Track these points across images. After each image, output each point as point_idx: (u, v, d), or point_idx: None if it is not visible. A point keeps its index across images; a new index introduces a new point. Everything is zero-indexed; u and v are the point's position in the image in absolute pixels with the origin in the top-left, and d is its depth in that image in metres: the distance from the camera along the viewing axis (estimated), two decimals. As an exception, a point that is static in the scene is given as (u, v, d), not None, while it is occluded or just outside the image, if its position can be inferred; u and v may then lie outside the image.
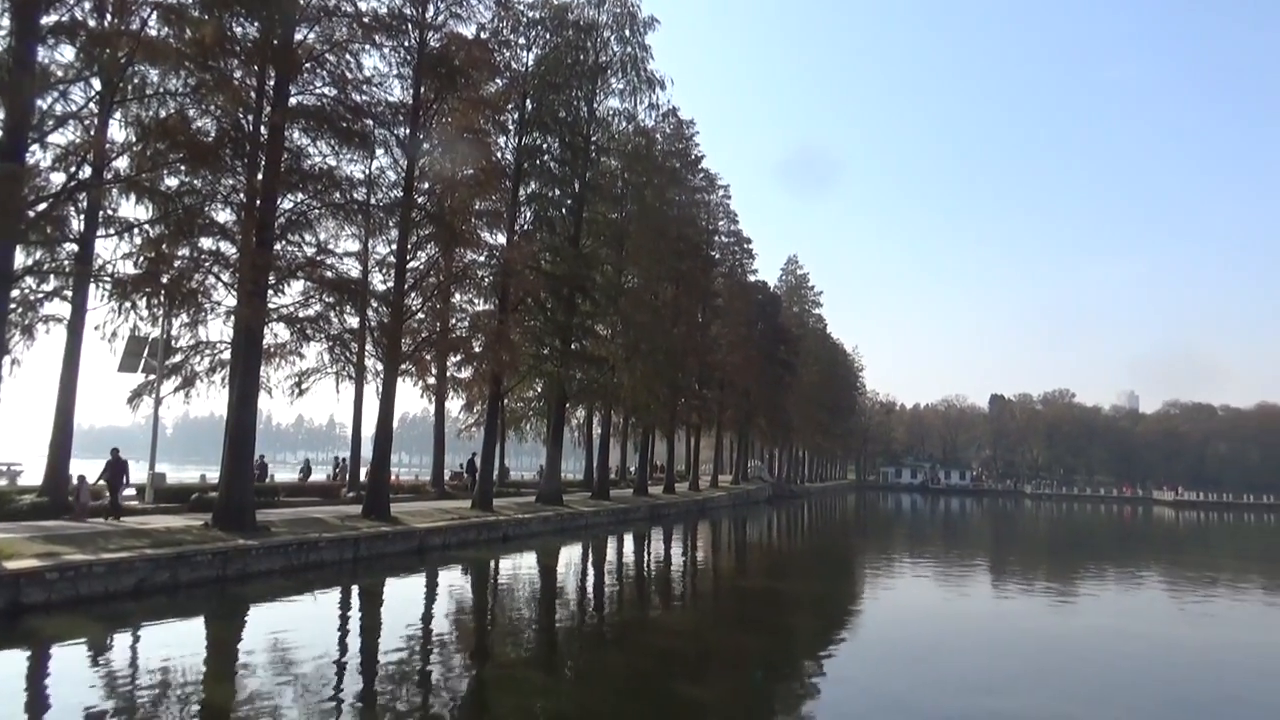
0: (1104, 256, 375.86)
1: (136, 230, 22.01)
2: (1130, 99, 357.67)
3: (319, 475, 44.09)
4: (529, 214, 39.00)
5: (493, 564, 26.03)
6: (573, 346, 40.85)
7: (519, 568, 26.29)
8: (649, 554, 32.42)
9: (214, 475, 29.43)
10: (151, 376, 25.20)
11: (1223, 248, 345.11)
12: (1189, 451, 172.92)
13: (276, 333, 24.69)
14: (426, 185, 28.76)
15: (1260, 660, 16.38)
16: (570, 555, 30.08)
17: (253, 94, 22.26)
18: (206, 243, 22.18)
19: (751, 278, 77.26)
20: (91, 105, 21.30)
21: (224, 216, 22.70)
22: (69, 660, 12.48)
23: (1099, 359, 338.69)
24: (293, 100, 22.88)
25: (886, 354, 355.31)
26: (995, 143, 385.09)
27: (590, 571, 26.92)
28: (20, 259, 19.84)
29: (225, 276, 22.03)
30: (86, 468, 24.24)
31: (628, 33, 42.05)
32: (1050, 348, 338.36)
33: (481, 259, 31.75)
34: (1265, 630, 20.26)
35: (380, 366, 28.85)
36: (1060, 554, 42.87)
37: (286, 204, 23.35)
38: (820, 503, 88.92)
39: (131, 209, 21.99)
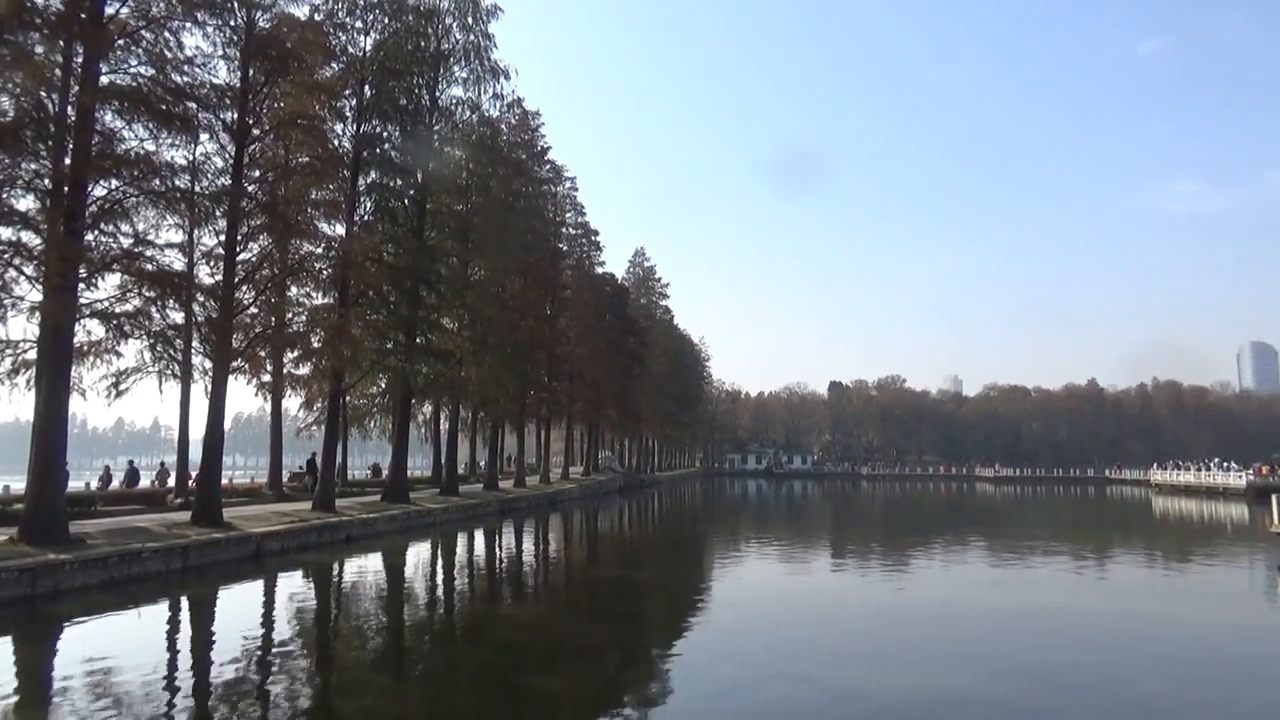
0: (930, 253, 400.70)
1: (-79, 218, 19.94)
2: (952, 108, 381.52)
3: (119, 483, 40.65)
4: (369, 204, 37.80)
5: (336, 566, 25.18)
6: (418, 340, 39.96)
7: (364, 569, 25.55)
8: (500, 549, 32.15)
9: (19, 485, 27.07)
10: (-57, 380, 22.86)
11: (1030, 246, 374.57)
12: (1007, 431, 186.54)
13: (90, 330, 22.99)
14: (258, 173, 27.41)
15: (1053, 620, 17.96)
16: (418, 554, 29.48)
17: (58, 72, 20.54)
18: (5, 232, 20.35)
19: (599, 270, 77.76)
20: None
21: (26, 204, 20.85)
22: None
23: (927, 346, 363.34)
24: (104, 79, 21.27)
25: (732, 344, 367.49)
26: (835, 145, 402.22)
27: (439, 569, 26.47)
28: None
29: (29, 269, 20.28)
30: None
31: (470, 20, 41.35)
32: (885, 337, 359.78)
33: (319, 251, 30.51)
34: (1072, 594, 22.13)
35: (209, 364, 27.29)
36: (895, 530, 45.37)
37: (99, 191, 21.70)
38: (670, 491, 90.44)
39: (-85, 195, 19.90)
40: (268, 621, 16.98)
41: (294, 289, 32.63)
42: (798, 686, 12.05)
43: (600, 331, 72.04)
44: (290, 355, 31.93)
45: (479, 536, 35.28)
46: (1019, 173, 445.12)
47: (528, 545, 33.97)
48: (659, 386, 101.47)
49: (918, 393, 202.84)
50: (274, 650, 14.28)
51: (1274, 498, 30.20)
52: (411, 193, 39.56)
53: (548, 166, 62.03)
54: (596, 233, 74.76)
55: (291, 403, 39.33)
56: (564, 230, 69.26)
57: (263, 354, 28.69)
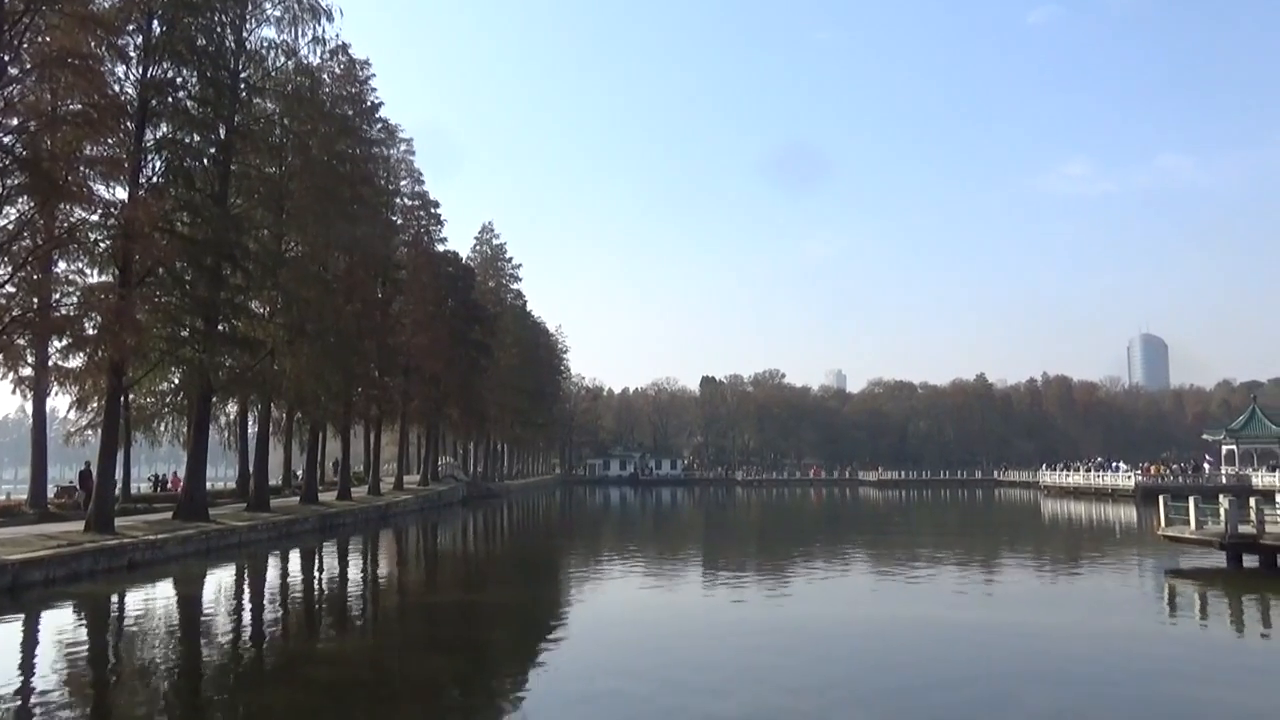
0: (808, 235, 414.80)
1: None
2: (835, 77, 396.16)
3: None
4: (159, 163, 35.79)
5: (116, 599, 23.97)
6: (220, 327, 38.32)
7: (152, 600, 24.38)
8: (320, 573, 31.44)
9: None
10: None
11: (918, 228, 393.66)
12: (892, 430, 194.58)
13: None
14: (16, 121, 25.62)
15: (936, 633, 18.94)
16: (219, 581, 28.42)
17: None
18: None
19: (440, 247, 76.54)
20: None
21: None
22: None
23: (807, 339, 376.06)
24: None
25: (594, 335, 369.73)
26: (711, 116, 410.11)
27: (246, 599, 25.55)
28: None
29: None
30: None
31: (284, -52, 39.87)
32: (762, 329, 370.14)
33: (94, 218, 28.79)
34: (959, 607, 23.34)
35: (-49, 355, 25.36)
36: (772, 541, 46.70)
37: None
38: (522, 501, 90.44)
39: None
40: (28, 667, 15.93)
41: (62, 264, 30.73)
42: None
43: (440, 318, 71.01)
44: (57, 344, 29.99)
45: (295, 559, 34.36)
46: (904, 147, 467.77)
47: (354, 568, 33.36)
48: (509, 382, 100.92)
49: (798, 389, 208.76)
50: (34, 702, 13.38)
51: (1161, 499, 32.65)
52: (212, 151, 37.82)
53: (379, 125, 60.55)
54: (437, 204, 73.51)
55: (60, 402, 37.14)
56: (398, 200, 67.81)
57: (21, 342, 26.89)
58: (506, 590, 28.07)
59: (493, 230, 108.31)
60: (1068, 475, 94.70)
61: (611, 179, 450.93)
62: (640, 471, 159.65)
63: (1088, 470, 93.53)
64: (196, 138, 37.22)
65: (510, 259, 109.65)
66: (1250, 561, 27.70)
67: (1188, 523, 30.08)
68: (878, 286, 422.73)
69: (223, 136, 38.02)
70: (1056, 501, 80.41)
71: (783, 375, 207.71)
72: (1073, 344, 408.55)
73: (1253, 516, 27.90)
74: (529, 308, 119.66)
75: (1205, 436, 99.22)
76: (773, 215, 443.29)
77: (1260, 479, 74.95)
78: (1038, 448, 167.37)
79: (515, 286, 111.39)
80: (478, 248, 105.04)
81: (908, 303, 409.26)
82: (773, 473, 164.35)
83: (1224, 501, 28.78)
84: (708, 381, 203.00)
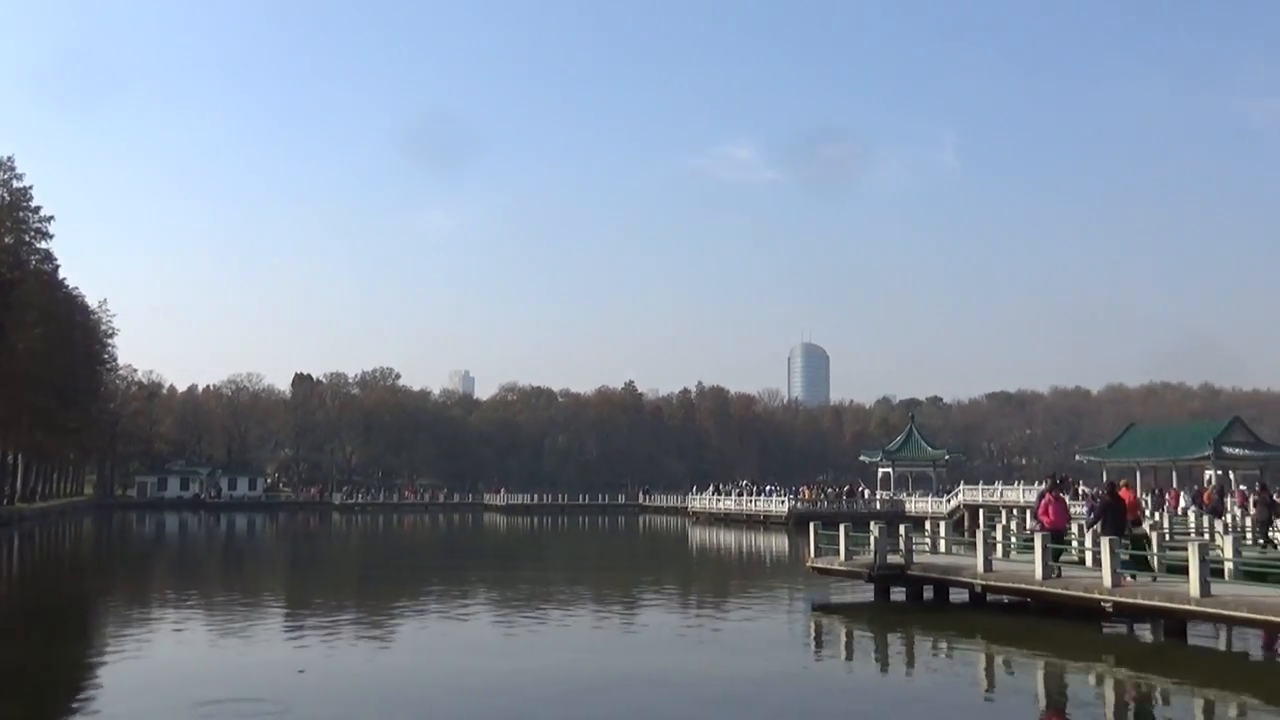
0: (422, 204, 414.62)
1: None
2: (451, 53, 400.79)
3: None
4: None
5: None
6: None
7: None
8: None
9: None
10: None
11: (539, 202, 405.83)
12: (526, 445, 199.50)
13: None
14: None
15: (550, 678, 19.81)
16: None
17: None
18: None
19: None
20: None
21: None
22: None
23: (428, 333, 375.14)
24: None
25: (152, 315, 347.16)
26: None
27: None
28: None
29: None
30: None
31: None
32: (370, 317, 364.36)
33: None
34: (591, 652, 24.42)
35: None
36: (371, 579, 46.40)
37: None
38: (41, 532, 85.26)
39: None
40: None
41: None
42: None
43: (-69, 283, 64.45)
44: None
45: None
46: (549, 110, 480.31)
47: None
48: (29, 372, 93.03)
49: (415, 393, 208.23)
50: None
51: (812, 527, 35.87)
52: None
53: None
54: (-69, 126, 66.38)
55: None
56: None
57: None
58: (11, 650, 25.90)
59: (13, 169, 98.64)
60: (718, 500, 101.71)
61: (182, 114, 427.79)
62: (208, 492, 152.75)
63: (739, 494, 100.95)
64: None
65: (38, 209, 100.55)
66: (898, 594, 31.08)
67: (838, 553, 33.11)
68: (513, 271, 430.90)
69: None
70: (706, 529, 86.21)
71: (397, 376, 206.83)
72: (733, 351, 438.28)
73: (901, 546, 31.37)
74: (62, 275, 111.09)
75: (862, 458, 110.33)
76: (389, 181, 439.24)
77: (913, 504, 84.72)
78: (690, 467, 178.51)
79: (44, 246, 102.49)
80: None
81: (549, 296, 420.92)
82: (381, 494, 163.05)
83: (874, 530, 31.95)
84: (302, 380, 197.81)
